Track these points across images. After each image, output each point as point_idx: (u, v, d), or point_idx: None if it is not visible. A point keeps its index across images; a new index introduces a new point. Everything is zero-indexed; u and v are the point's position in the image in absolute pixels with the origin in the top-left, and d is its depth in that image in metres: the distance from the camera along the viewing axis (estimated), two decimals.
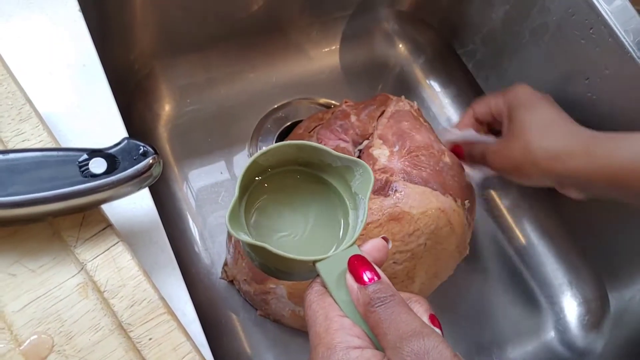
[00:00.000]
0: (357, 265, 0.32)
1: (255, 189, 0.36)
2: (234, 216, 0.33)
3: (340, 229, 0.36)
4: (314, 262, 0.33)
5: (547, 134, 0.54)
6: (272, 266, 0.35)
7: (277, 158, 0.36)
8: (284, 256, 0.32)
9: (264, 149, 0.35)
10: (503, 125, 0.59)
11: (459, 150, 0.63)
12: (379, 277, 0.31)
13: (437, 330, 0.30)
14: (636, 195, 0.50)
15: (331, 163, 0.36)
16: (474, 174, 0.62)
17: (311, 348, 0.31)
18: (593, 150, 0.51)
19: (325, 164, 0.37)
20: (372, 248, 0.34)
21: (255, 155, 0.35)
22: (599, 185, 0.51)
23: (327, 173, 0.37)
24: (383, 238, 0.35)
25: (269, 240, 0.35)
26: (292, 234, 0.36)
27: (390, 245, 0.35)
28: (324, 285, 0.33)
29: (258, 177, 0.36)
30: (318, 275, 0.33)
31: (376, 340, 0.30)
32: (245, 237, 0.32)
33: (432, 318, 0.32)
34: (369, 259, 0.33)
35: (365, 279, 0.31)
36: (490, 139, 0.61)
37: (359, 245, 0.34)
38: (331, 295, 0.32)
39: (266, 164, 0.36)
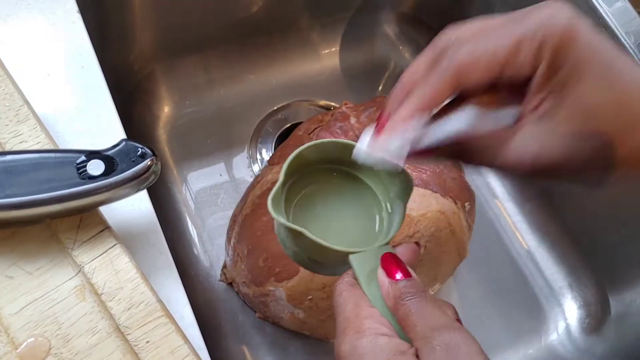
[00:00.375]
0: (390, 261, 0.32)
1: (296, 180, 0.37)
2: (276, 200, 0.33)
3: (374, 228, 0.37)
4: (349, 253, 0.33)
5: None
6: (305, 255, 0.36)
7: (321, 154, 0.37)
8: (320, 244, 0.32)
9: (311, 142, 0.36)
10: (535, 88, 0.30)
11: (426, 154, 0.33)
12: (410, 275, 0.32)
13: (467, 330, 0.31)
14: None
15: (373, 166, 0.36)
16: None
17: (338, 333, 0.31)
18: None
19: (366, 166, 0.37)
20: (405, 249, 0.34)
21: (302, 147, 0.35)
22: None
23: (366, 174, 0.38)
24: (416, 243, 0.35)
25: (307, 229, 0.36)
26: (327, 228, 0.37)
27: (422, 251, 0.35)
28: (355, 278, 0.33)
29: (300, 169, 0.37)
30: (350, 268, 0.34)
31: (402, 333, 0.30)
32: (284, 221, 0.33)
33: (459, 322, 0.32)
34: (402, 258, 0.33)
35: (397, 276, 0.31)
36: (511, 112, 0.32)
37: (393, 246, 0.35)
38: (361, 288, 0.33)
39: (310, 157, 0.36)
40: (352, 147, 0.36)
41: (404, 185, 0.36)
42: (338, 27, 0.79)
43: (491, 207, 0.74)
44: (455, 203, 0.58)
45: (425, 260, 0.57)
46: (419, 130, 0.31)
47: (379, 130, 0.32)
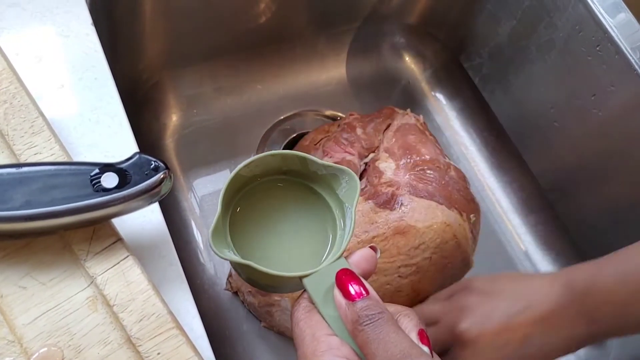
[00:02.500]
0: (344, 280, 0.31)
1: (241, 200, 0.36)
2: (217, 234, 0.32)
3: (329, 240, 0.36)
4: (301, 277, 0.32)
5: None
6: (261, 282, 0.34)
7: (261, 169, 0.35)
8: (269, 273, 0.31)
9: (247, 160, 0.34)
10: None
11: None
12: (367, 292, 0.30)
13: (425, 348, 0.30)
14: None
15: (317, 171, 0.36)
16: None
17: None
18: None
19: (311, 172, 0.36)
20: (360, 259, 0.33)
21: (238, 167, 0.34)
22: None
23: (314, 182, 0.36)
24: (371, 247, 0.34)
25: (256, 254, 0.34)
26: (280, 247, 0.35)
27: (379, 255, 0.34)
28: (312, 301, 0.32)
29: (244, 188, 0.36)
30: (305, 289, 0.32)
31: (365, 359, 0.30)
32: (230, 255, 0.32)
33: (421, 334, 0.31)
34: (358, 271, 0.32)
35: (353, 293, 0.30)
36: None
37: (346, 257, 0.33)
38: (319, 312, 0.32)
39: (250, 174, 0.35)
40: (291, 156, 0.35)
41: (349, 185, 0.35)
42: (345, 37, 0.80)
43: (496, 220, 0.74)
44: (461, 215, 0.58)
45: (431, 272, 0.57)
46: None
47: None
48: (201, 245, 0.67)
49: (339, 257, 0.33)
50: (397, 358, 0.28)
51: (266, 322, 0.63)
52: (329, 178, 0.36)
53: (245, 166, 0.34)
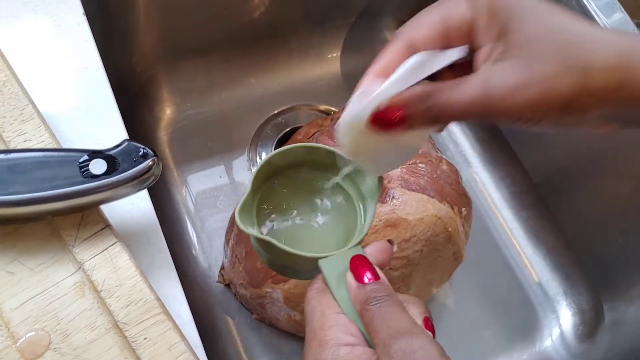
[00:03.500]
0: (358, 264, 0.32)
1: (269, 187, 0.37)
2: (244, 210, 0.33)
3: (349, 231, 0.37)
4: (317, 259, 0.33)
5: (589, 34, 0.29)
6: (279, 262, 0.36)
7: (291, 159, 0.37)
8: (288, 252, 0.33)
9: (280, 149, 0.35)
10: (480, 44, 0.31)
11: (390, 116, 0.31)
12: (378, 277, 0.32)
13: (429, 333, 0.30)
14: None
15: (343, 166, 0.37)
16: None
17: (306, 343, 0.31)
18: None
19: (337, 167, 0.37)
20: (376, 250, 0.34)
21: (271, 154, 0.35)
22: None
23: (339, 175, 0.38)
24: (388, 241, 0.35)
25: (279, 238, 0.35)
26: (303, 234, 0.37)
27: (395, 248, 0.35)
28: (326, 283, 0.33)
29: (272, 176, 0.37)
30: (321, 272, 0.33)
31: (370, 338, 0.30)
32: (253, 231, 0.33)
33: (426, 321, 0.32)
34: (372, 259, 0.33)
35: (365, 279, 0.31)
36: (459, 48, 0.32)
37: (363, 247, 0.34)
38: (331, 293, 0.33)
39: (281, 163, 0.37)
40: (321, 149, 0.36)
41: (373, 182, 0.36)
42: (339, 32, 0.80)
43: (488, 214, 0.75)
44: (452, 208, 0.59)
45: (421, 264, 0.58)
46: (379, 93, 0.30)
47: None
48: (194, 239, 0.68)
49: (356, 245, 0.34)
50: (397, 334, 0.29)
51: (258, 314, 0.63)
52: (353, 173, 0.37)
53: (277, 154, 0.35)
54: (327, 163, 0.37)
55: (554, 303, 0.71)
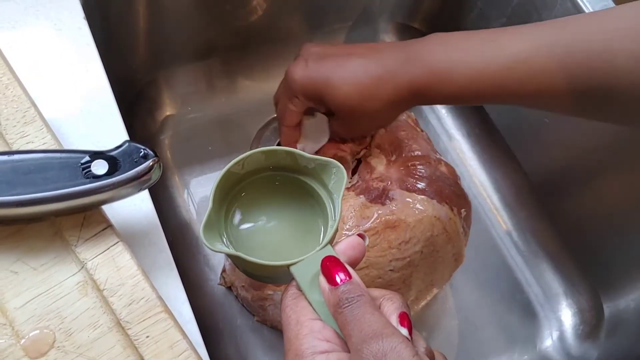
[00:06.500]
0: (329, 266, 0.32)
1: (235, 197, 0.37)
2: (209, 228, 0.33)
3: (320, 230, 0.37)
4: (288, 266, 0.33)
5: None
6: (255, 273, 0.35)
7: (252, 165, 0.37)
8: (259, 263, 0.33)
9: (237, 158, 0.35)
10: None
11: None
12: (350, 277, 0.31)
13: (404, 330, 0.30)
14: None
15: (307, 165, 0.37)
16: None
17: (284, 353, 0.31)
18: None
19: (301, 167, 0.37)
20: (346, 247, 0.34)
21: (229, 164, 0.35)
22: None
23: (307, 176, 0.38)
24: (359, 235, 0.35)
25: (251, 247, 0.35)
26: (275, 240, 0.37)
27: (367, 242, 0.35)
28: (299, 288, 0.33)
29: (236, 185, 0.37)
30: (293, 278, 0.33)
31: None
32: (220, 248, 0.33)
33: (402, 316, 0.31)
34: (344, 258, 0.33)
35: (338, 279, 0.31)
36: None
37: (334, 246, 0.34)
38: (306, 298, 0.33)
39: (243, 171, 0.36)
40: (281, 152, 0.36)
41: (337, 177, 0.36)
42: (337, 36, 0.80)
43: (487, 215, 0.75)
44: (452, 209, 0.59)
45: (421, 266, 0.58)
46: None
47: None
48: (195, 241, 0.68)
49: (325, 246, 0.34)
50: (369, 337, 0.29)
51: (259, 317, 0.63)
52: (319, 171, 0.37)
53: (235, 163, 0.35)
54: (289, 164, 0.37)
55: (554, 303, 0.71)
